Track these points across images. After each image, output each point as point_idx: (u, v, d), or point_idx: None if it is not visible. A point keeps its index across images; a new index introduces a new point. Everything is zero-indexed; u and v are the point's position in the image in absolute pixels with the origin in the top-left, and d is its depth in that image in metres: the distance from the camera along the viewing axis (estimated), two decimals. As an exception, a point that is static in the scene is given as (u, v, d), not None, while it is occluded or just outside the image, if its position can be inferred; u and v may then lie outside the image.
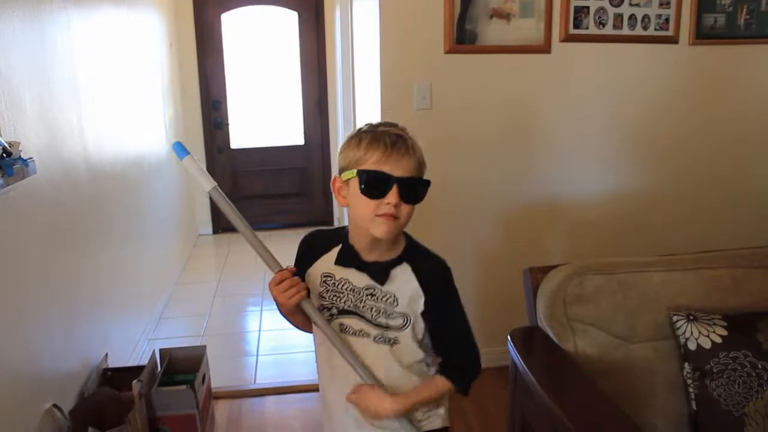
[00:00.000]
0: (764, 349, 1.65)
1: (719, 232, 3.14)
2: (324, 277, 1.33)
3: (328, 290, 1.33)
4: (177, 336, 3.61)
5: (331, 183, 1.31)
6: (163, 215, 4.28)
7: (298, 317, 1.34)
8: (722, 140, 3.13)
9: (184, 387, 2.37)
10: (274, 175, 5.86)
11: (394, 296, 1.28)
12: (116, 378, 2.48)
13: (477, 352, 1.37)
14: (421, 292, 1.29)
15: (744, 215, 3.22)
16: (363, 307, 1.29)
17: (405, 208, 1.22)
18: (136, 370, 2.45)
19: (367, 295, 1.29)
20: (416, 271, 1.30)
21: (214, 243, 5.70)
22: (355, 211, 1.26)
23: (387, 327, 1.29)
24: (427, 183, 1.25)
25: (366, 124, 1.29)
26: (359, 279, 1.30)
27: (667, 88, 3.01)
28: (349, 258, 1.31)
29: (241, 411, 2.81)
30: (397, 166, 1.20)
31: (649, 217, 3.12)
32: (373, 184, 1.21)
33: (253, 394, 2.96)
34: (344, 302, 1.31)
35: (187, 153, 1.25)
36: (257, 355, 3.39)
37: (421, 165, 1.25)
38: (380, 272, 1.29)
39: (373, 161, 1.21)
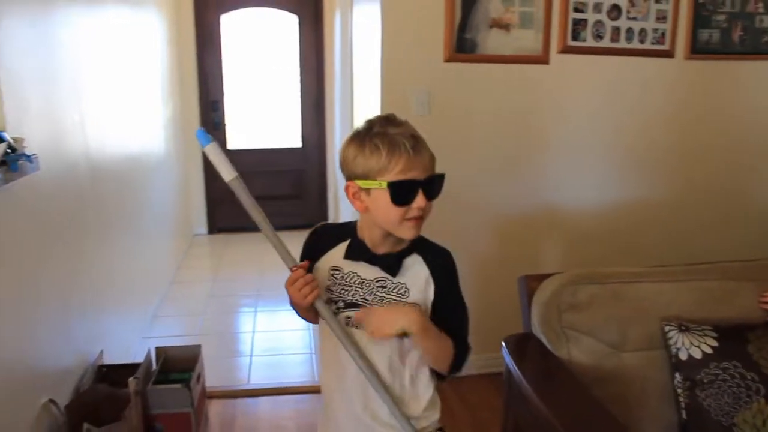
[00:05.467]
0: (754, 360, 1.68)
1: (713, 246, 3.16)
2: (332, 270, 1.34)
3: (335, 283, 1.33)
4: (171, 335, 3.61)
5: (344, 189, 1.29)
6: (160, 214, 4.28)
7: (311, 314, 1.35)
8: (717, 154, 3.17)
9: (179, 385, 2.39)
10: (271, 177, 5.85)
11: (406, 287, 1.30)
12: (111, 375, 2.49)
13: (468, 340, 1.37)
14: (432, 281, 1.31)
15: (737, 229, 3.26)
16: (373, 299, 1.30)
17: (428, 206, 1.25)
18: (131, 368, 2.45)
19: (378, 287, 1.30)
20: (427, 260, 1.32)
21: (209, 243, 5.71)
22: (379, 217, 1.26)
23: None
24: (443, 177, 1.27)
25: (368, 123, 1.27)
26: (369, 272, 1.31)
27: (664, 101, 3.05)
28: (359, 252, 1.32)
29: (235, 411, 2.82)
30: (420, 170, 1.22)
31: (645, 230, 3.16)
32: (405, 194, 1.22)
33: (247, 394, 2.97)
34: (352, 295, 1.31)
35: (211, 140, 1.25)
36: (251, 356, 3.40)
37: (432, 157, 1.27)
38: (393, 263, 1.30)
39: (398, 170, 1.20)
